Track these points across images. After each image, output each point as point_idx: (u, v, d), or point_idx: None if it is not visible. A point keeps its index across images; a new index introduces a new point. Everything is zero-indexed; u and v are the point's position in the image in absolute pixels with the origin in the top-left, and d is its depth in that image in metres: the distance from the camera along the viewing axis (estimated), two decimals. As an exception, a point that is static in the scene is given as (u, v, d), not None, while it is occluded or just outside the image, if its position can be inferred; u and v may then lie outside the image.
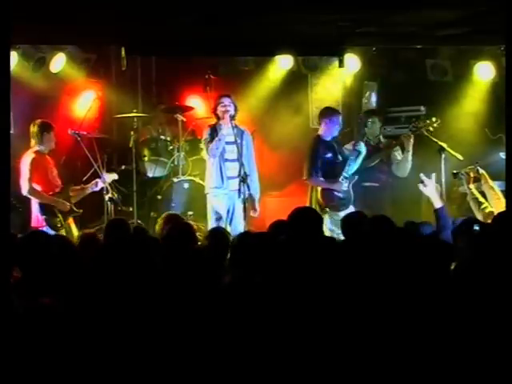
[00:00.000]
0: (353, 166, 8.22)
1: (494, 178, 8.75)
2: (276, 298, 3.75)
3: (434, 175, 6.47)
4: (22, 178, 7.79)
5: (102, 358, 3.44)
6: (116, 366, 3.44)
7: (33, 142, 7.90)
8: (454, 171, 7.58)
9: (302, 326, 3.62)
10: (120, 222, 6.13)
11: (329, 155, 8.28)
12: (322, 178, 8.21)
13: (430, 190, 6.15)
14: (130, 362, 3.45)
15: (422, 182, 6.22)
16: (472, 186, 6.98)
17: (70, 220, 8.00)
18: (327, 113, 8.51)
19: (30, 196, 7.82)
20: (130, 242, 4.25)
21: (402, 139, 8.48)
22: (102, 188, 8.13)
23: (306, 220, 4.96)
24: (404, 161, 8.50)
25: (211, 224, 7.88)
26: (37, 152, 7.88)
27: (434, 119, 8.52)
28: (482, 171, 7.14)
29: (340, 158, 8.31)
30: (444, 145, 8.29)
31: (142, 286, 3.84)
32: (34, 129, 7.92)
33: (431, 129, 8.43)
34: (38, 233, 5.10)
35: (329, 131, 8.36)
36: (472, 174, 7.10)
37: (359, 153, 8.25)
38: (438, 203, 6.00)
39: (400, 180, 8.66)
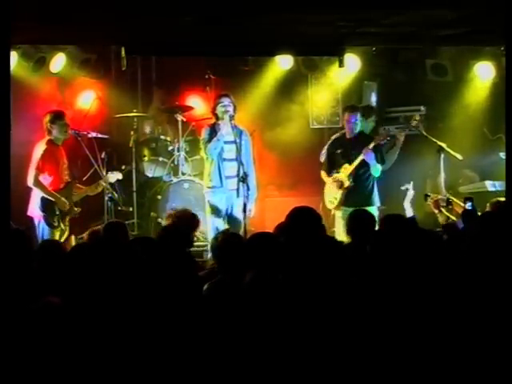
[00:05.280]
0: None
1: (493, 178, 8.83)
2: (298, 295, 3.76)
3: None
4: (30, 167, 7.79)
5: (110, 357, 3.44)
6: (125, 366, 3.44)
7: (46, 132, 7.90)
8: (426, 193, 7.74)
9: (325, 322, 3.64)
10: (117, 224, 6.10)
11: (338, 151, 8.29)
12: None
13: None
14: (142, 362, 3.45)
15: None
16: (443, 209, 7.20)
17: (67, 221, 7.98)
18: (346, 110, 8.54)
19: (34, 187, 7.82)
20: (131, 243, 4.26)
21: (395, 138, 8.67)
22: (103, 189, 8.16)
23: (306, 220, 4.96)
24: (391, 156, 8.73)
25: (210, 223, 7.88)
26: (50, 142, 7.87)
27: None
28: (452, 199, 7.31)
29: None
30: (443, 145, 8.30)
31: (153, 284, 3.86)
32: (46, 119, 7.90)
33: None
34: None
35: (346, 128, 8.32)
36: (439, 201, 7.30)
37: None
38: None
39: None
